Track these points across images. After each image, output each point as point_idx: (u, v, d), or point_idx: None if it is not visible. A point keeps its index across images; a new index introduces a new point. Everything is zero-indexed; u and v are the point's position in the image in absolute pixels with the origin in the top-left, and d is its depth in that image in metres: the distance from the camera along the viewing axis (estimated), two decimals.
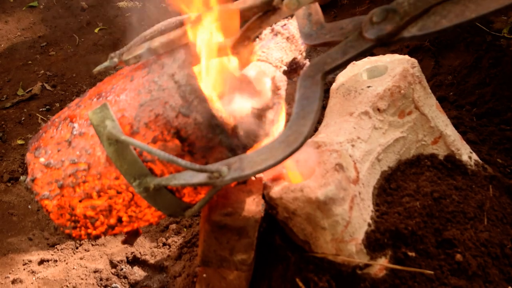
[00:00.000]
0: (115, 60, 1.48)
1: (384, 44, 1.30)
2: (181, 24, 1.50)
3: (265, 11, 1.44)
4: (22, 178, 1.55)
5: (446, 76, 2.88)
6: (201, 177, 1.33)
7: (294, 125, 1.32)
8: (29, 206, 2.75)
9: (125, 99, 1.42)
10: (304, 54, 1.98)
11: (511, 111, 2.56)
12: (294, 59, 1.94)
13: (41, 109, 3.38)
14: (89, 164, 1.44)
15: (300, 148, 1.31)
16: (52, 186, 1.49)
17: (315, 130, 1.81)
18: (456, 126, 2.14)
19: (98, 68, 1.50)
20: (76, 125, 1.47)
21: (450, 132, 2.05)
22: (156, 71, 1.42)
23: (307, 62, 1.97)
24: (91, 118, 1.34)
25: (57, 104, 3.38)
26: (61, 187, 1.47)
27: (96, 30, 4.00)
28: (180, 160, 1.30)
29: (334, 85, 2.06)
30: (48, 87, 3.55)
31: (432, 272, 1.79)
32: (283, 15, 1.44)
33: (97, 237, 1.58)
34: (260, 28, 1.50)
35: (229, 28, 1.64)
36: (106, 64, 1.49)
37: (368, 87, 1.95)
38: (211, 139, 1.41)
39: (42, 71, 3.69)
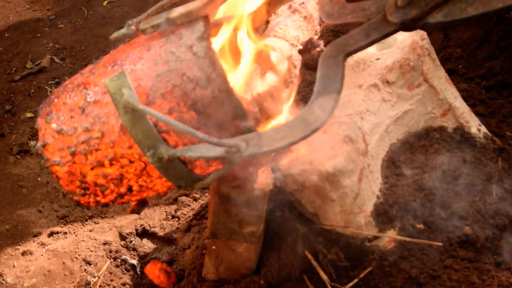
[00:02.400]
0: (133, 27, 1.46)
1: (408, 29, 1.30)
2: None
3: None
4: (32, 143, 1.54)
5: (455, 49, 2.87)
6: (218, 151, 1.32)
7: (315, 104, 1.31)
8: (39, 179, 2.76)
9: (141, 69, 1.41)
10: (319, 34, 1.97)
11: None
12: (310, 39, 1.94)
13: (50, 82, 3.38)
14: (103, 132, 1.43)
15: (320, 128, 1.30)
16: (64, 152, 1.48)
17: None
18: (465, 99, 2.14)
19: (115, 34, 1.48)
20: (90, 92, 1.45)
21: (459, 104, 2.05)
22: (174, 41, 1.41)
23: (321, 43, 1.96)
24: (108, 86, 1.34)
25: (66, 77, 3.38)
26: (73, 154, 1.47)
27: (104, 3, 3.99)
28: (198, 133, 1.29)
29: None
30: (57, 60, 3.55)
31: (440, 244, 1.80)
32: None
33: (105, 205, 1.58)
34: (281, 3, 1.49)
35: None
36: (123, 31, 1.47)
37: (377, 59, 1.94)
38: (228, 112, 1.40)
39: (51, 44, 3.69)
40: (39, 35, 3.79)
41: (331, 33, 2.95)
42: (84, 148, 1.45)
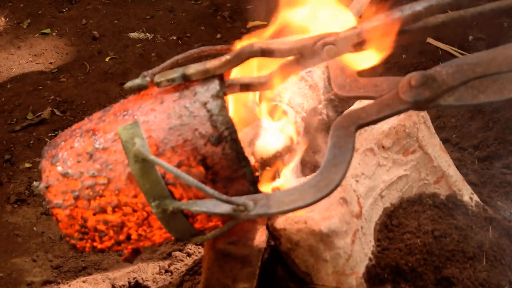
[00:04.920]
0: (147, 79, 1.49)
1: (419, 108, 1.33)
2: (215, 54, 1.53)
3: (304, 54, 1.46)
4: (35, 183, 1.55)
5: (449, 119, 2.92)
6: (224, 208, 1.36)
7: (325, 171, 1.35)
8: (35, 228, 2.77)
9: (153, 120, 1.44)
10: (323, 104, 2.01)
11: None
12: (315, 107, 1.98)
13: (50, 134, 3.41)
14: (109, 179, 1.46)
15: (329, 195, 1.34)
16: (67, 195, 1.50)
17: None
18: (458, 168, 2.17)
19: (130, 84, 1.51)
20: (99, 138, 1.49)
21: (453, 172, 2.09)
22: (188, 97, 1.45)
23: (324, 113, 2.00)
24: (120, 134, 1.37)
25: None
26: (77, 198, 1.49)
27: (106, 59, 4.04)
28: (207, 188, 1.32)
29: None
30: (57, 113, 3.58)
31: None
32: (321, 60, 1.46)
33: (101, 251, 1.59)
34: (295, 70, 1.53)
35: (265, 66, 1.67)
36: (138, 81, 1.50)
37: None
38: (236, 170, 1.43)
39: (52, 97, 3.72)
40: (41, 87, 3.83)
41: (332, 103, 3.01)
42: (88, 193, 1.48)
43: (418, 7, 1.33)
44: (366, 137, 1.94)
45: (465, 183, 2.14)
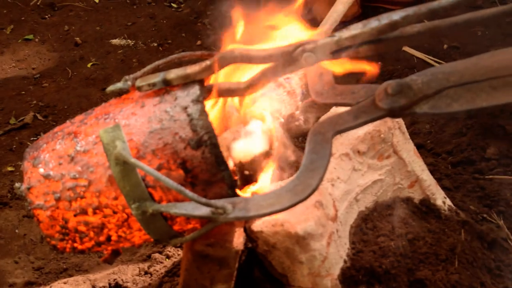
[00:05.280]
0: (129, 83, 1.51)
1: (395, 115, 1.36)
2: (196, 60, 1.55)
3: (283, 60, 1.48)
4: (17, 185, 1.57)
5: (424, 125, 2.96)
6: (203, 211, 1.37)
7: (302, 176, 1.36)
8: (16, 231, 2.78)
9: (134, 124, 1.47)
10: (300, 110, 2.04)
11: (485, 161, 2.64)
12: (292, 113, 2.00)
13: (32, 138, 3.43)
14: (90, 181, 1.48)
15: (306, 200, 1.36)
16: (48, 197, 1.52)
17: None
18: (432, 172, 2.21)
19: (112, 87, 1.53)
20: (81, 141, 1.51)
21: (426, 177, 2.13)
22: (169, 101, 1.48)
23: (302, 118, 2.02)
24: (101, 136, 1.39)
25: None
26: (58, 199, 1.51)
27: (88, 65, 4.06)
28: (187, 191, 1.33)
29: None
30: (39, 117, 3.60)
31: None
32: (300, 67, 1.47)
33: (81, 252, 1.61)
34: (275, 76, 1.55)
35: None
36: (119, 85, 1.52)
37: None
38: (215, 174, 1.46)
39: (35, 102, 3.74)
40: (23, 92, 3.85)
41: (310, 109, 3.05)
42: (69, 194, 1.51)
43: (395, 16, 1.35)
44: (342, 142, 1.97)
45: (438, 187, 2.18)
